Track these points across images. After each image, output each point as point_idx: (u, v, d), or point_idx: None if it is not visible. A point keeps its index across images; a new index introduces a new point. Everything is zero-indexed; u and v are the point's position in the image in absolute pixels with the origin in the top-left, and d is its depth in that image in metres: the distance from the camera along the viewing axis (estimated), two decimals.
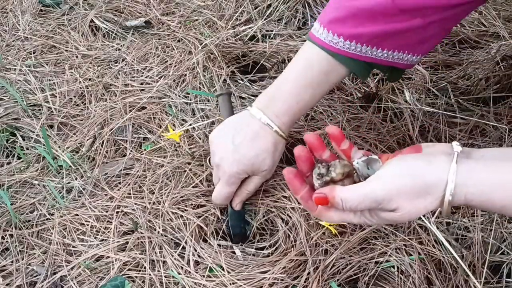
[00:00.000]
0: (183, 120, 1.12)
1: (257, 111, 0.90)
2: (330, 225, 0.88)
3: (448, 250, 0.87)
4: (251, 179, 0.93)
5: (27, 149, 1.10)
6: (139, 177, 1.02)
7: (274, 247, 0.91)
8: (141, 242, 0.91)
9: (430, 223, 0.89)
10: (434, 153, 0.62)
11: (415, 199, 0.58)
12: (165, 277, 0.86)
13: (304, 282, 0.84)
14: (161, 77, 1.23)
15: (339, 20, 0.84)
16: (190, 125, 1.09)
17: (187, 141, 1.07)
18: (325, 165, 0.65)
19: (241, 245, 0.92)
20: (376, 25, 0.82)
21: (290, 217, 0.92)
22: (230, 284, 0.84)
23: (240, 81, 1.22)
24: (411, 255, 0.87)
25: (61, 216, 0.96)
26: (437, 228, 0.90)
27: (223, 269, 0.86)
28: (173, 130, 0.96)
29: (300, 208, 0.93)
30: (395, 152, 0.67)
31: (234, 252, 0.90)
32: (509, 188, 0.56)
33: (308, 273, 0.84)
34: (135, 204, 0.96)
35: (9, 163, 1.08)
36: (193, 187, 0.99)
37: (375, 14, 0.81)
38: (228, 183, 0.91)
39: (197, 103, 1.16)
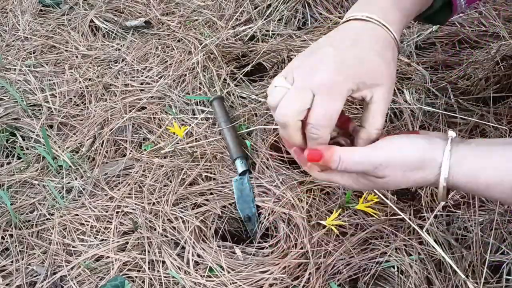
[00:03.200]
0: (183, 120, 1.12)
1: (357, 10, 0.68)
2: (331, 226, 0.88)
3: (447, 251, 0.87)
4: (371, 109, 0.65)
5: (27, 149, 1.10)
6: (139, 177, 1.02)
7: (275, 247, 0.91)
8: (141, 242, 0.91)
9: (423, 231, 0.89)
10: (432, 137, 0.65)
11: (408, 171, 0.62)
12: (165, 277, 0.86)
13: (306, 282, 0.84)
14: (161, 77, 1.23)
15: None
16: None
17: (187, 141, 1.07)
18: None
19: (242, 245, 0.92)
20: None
21: (291, 217, 0.92)
22: (230, 284, 0.84)
23: (240, 81, 1.22)
24: (411, 255, 0.87)
25: (61, 216, 0.96)
26: (437, 228, 0.90)
27: (223, 269, 0.86)
28: (178, 126, 0.97)
29: (302, 208, 0.93)
30: (393, 133, 0.68)
31: (234, 252, 0.90)
32: (493, 170, 0.59)
33: (310, 274, 0.84)
34: (135, 204, 0.96)
35: (9, 163, 1.08)
36: (192, 186, 0.99)
37: None
38: (332, 97, 0.61)
39: (197, 104, 1.16)
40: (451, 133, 0.63)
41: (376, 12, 0.67)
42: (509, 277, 0.85)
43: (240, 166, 0.98)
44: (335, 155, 0.62)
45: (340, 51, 0.64)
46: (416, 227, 0.89)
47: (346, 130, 0.69)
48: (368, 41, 0.65)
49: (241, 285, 0.84)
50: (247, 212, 0.94)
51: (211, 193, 0.98)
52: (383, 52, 0.65)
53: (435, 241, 0.87)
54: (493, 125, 1.06)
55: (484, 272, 0.84)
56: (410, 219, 0.90)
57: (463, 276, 0.83)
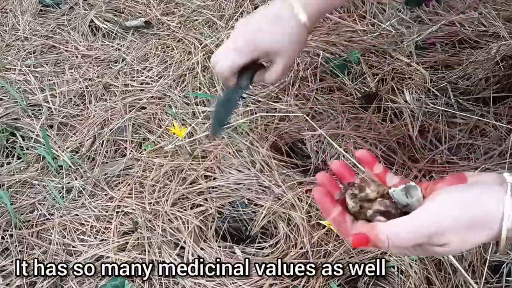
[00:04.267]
0: (183, 120, 1.13)
1: None
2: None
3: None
4: (271, 66, 0.87)
5: (27, 149, 1.10)
6: (139, 177, 1.02)
7: (275, 247, 0.91)
8: (141, 242, 0.91)
9: None
10: (484, 183, 0.59)
11: (467, 232, 0.55)
12: (165, 277, 0.86)
13: (306, 282, 0.84)
14: (161, 77, 1.23)
15: None
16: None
17: (188, 141, 1.07)
18: (357, 186, 0.60)
19: (241, 245, 0.92)
20: None
21: (291, 217, 0.92)
22: (230, 284, 0.84)
23: None
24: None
25: (61, 216, 0.96)
26: None
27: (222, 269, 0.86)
28: (178, 126, 0.97)
29: (302, 208, 0.93)
30: (435, 180, 0.61)
31: (234, 252, 0.90)
32: None
33: (310, 273, 0.84)
34: (135, 204, 0.96)
35: (9, 163, 1.08)
36: (192, 186, 0.99)
37: None
38: (237, 49, 0.85)
39: (197, 104, 1.16)
40: (509, 178, 0.57)
41: (303, 6, 0.84)
42: (509, 278, 0.85)
43: (244, 79, 0.89)
44: (382, 235, 0.55)
45: (260, 27, 0.85)
46: None
47: (383, 182, 0.63)
48: (286, 23, 0.84)
49: (241, 285, 0.84)
50: (222, 117, 0.88)
51: (210, 192, 0.98)
52: (293, 36, 0.84)
53: None
54: (494, 123, 1.06)
55: (485, 272, 0.84)
56: None
57: (464, 273, 0.83)
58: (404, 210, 0.58)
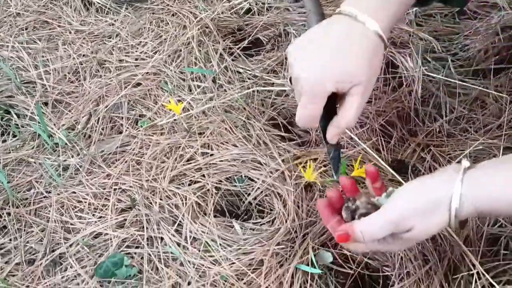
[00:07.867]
0: (179, 96, 1.11)
1: (349, 8, 0.69)
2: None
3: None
4: (347, 101, 0.69)
5: (22, 127, 1.09)
6: (136, 154, 1.01)
7: (272, 224, 0.91)
8: (139, 219, 0.91)
9: None
10: (441, 170, 0.65)
11: (427, 215, 0.60)
12: (163, 253, 0.86)
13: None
14: (156, 52, 1.21)
15: None
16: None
17: (184, 117, 1.06)
18: (352, 199, 0.69)
19: (239, 220, 0.92)
20: None
21: (287, 195, 0.92)
22: (227, 259, 0.85)
23: (237, 55, 1.20)
24: None
25: (58, 194, 0.96)
26: None
27: (221, 244, 0.86)
28: (174, 102, 0.96)
29: (295, 191, 0.93)
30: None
31: (232, 226, 0.90)
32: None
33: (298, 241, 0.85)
34: (132, 181, 0.96)
35: (4, 141, 1.07)
36: (189, 163, 0.98)
37: None
38: (310, 100, 0.69)
39: (193, 80, 1.14)
40: (465, 163, 0.61)
41: (370, 15, 0.69)
42: (506, 250, 0.85)
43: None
44: (357, 231, 0.63)
45: (323, 52, 0.69)
46: None
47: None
48: (358, 44, 0.68)
49: (235, 262, 0.84)
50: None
51: (207, 169, 0.97)
52: (370, 54, 0.69)
53: None
54: (495, 94, 1.05)
55: (481, 246, 0.84)
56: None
57: (462, 245, 0.83)
58: None
